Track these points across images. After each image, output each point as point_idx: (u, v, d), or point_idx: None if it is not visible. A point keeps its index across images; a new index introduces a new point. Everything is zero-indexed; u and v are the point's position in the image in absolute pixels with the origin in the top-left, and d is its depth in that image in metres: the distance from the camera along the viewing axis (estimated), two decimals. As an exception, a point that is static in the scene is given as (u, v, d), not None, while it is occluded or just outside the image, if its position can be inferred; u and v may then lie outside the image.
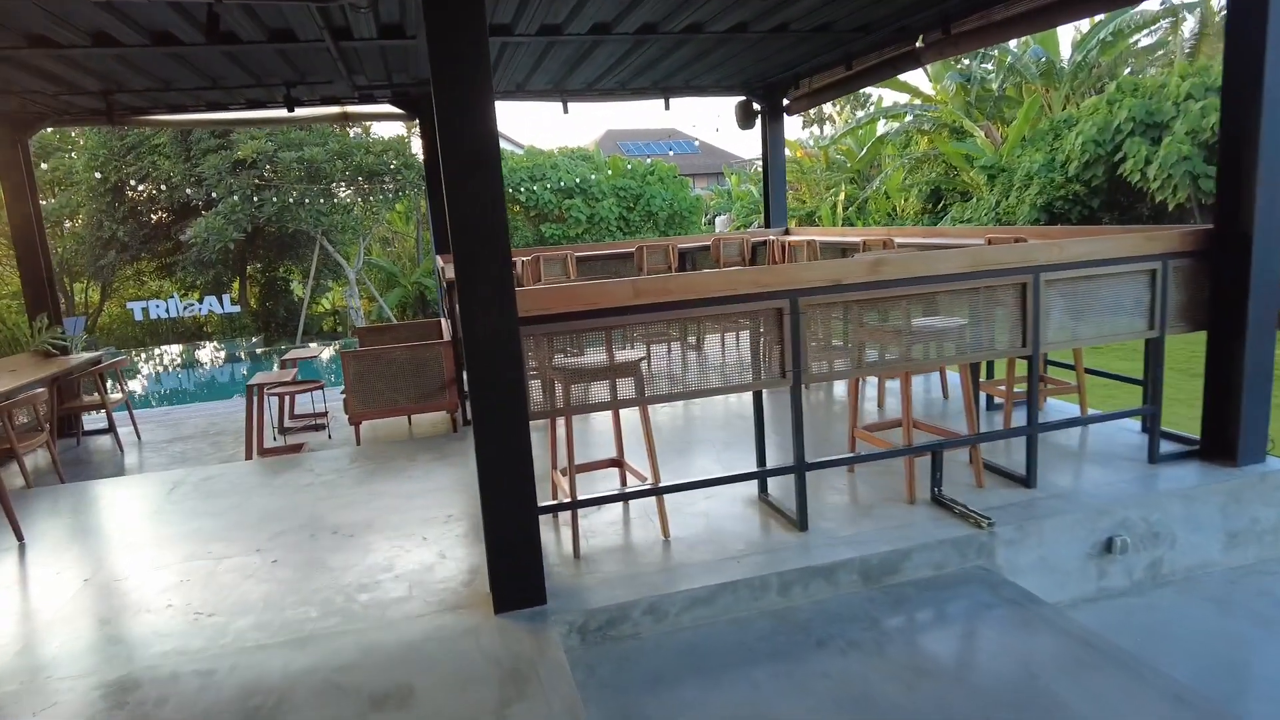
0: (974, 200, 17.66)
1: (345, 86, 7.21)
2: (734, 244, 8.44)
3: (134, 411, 8.00)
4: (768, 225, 9.38)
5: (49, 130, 21.70)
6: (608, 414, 4.96)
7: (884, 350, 3.97)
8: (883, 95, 31.17)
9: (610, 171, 23.19)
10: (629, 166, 23.51)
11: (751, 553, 3.71)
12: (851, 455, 4.55)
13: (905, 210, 21.97)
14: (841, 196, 23.53)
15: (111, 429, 7.27)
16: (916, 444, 4.13)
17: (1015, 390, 5.00)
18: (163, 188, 18.78)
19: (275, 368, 17.64)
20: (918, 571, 3.72)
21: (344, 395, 6.39)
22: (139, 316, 19.12)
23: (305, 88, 7.17)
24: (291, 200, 17.53)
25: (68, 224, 20.51)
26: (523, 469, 3.29)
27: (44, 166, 20.08)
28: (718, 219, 31.71)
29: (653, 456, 3.87)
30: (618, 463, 4.30)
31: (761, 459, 4.18)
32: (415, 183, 18.99)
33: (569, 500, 3.71)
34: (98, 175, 18.56)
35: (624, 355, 3.66)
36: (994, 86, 20.63)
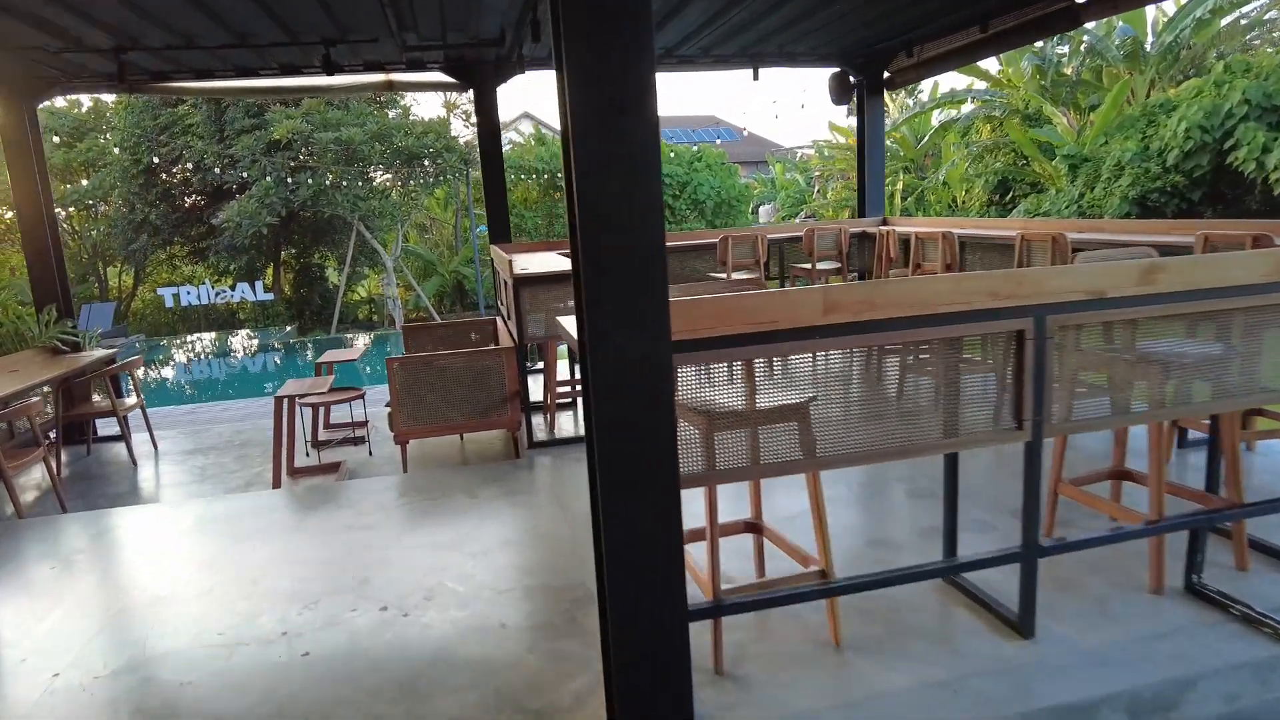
0: (1051, 192, 16.29)
1: (392, 48, 6.16)
2: (829, 235, 7.30)
3: (157, 410, 7.08)
4: (862, 214, 8.22)
5: (83, 109, 21.02)
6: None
7: (1148, 390, 2.84)
8: (938, 81, 29.68)
9: (656, 158, 22.05)
10: (674, 153, 22.36)
11: (965, 674, 2.62)
12: (1104, 534, 3.43)
13: (968, 202, 20.61)
14: (900, 186, 22.18)
15: (124, 438, 6.33)
16: (1170, 516, 3.01)
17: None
18: (194, 169, 17.96)
19: (310, 356, 16.81)
20: (1205, 706, 2.61)
21: (388, 408, 5.38)
22: (169, 303, 18.34)
23: (346, 49, 6.13)
24: (328, 184, 16.61)
25: (102, 206, 19.81)
26: (672, 562, 2.23)
27: (80, 147, 19.38)
28: (761, 208, 30.51)
29: (824, 539, 2.78)
30: (754, 527, 3.22)
31: (951, 539, 3.08)
32: (456, 167, 17.99)
33: (711, 601, 2.63)
34: (128, 155, 17.77)
35: (776, 397, 2.59)
36: (1068, 70, 19.19)
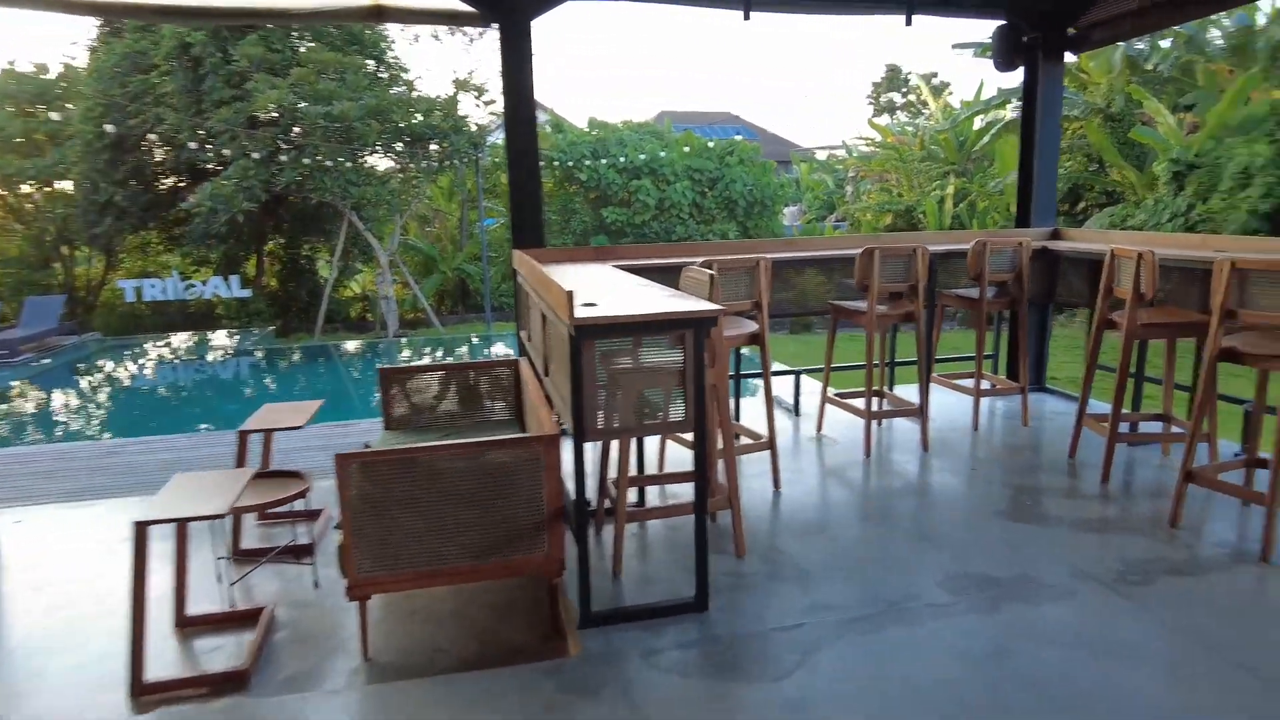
0: (1149, 202, 13.94)
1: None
2: (1005, 252, 4.96)
3: (73, 445, 4.75)
4: (1024, 222, 5.88)
5: (51, 74, 18.56)
6: None
7: None
8: (983, 80, 27.24)
9: (683, 150, 19.67)
10: (707, 145, 19.97)
11: None
12: None
13: (1026, 210, 18.29)
14: (950, 190, 19.85)
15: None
16: None
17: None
18: (168, 145, 15.54)
19: (296, 358, 14.28)
20: None
21: (338, 530, 3.02)
22: (131, 296, 15.88)
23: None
24: (316, 165, 14.20)
25: (64, 184, 17.37)
26: None
27: (41, 115, 16.97)
28: (786, 210, 28.19)
29: None
30: None
31: None
32: (464, 151, 15.59)
33: None
34: (92, 127, 15.33)
35: None
36: (1149, 66, 16.86)
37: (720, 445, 3.56)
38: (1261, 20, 14.98)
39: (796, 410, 5.55)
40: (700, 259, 4.02)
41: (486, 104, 16.29)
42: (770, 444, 4.13)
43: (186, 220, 15.97)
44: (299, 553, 3.95)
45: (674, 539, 3.67)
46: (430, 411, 4.71)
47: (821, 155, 33.32)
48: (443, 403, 4.73)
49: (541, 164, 18.89)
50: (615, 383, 2.78)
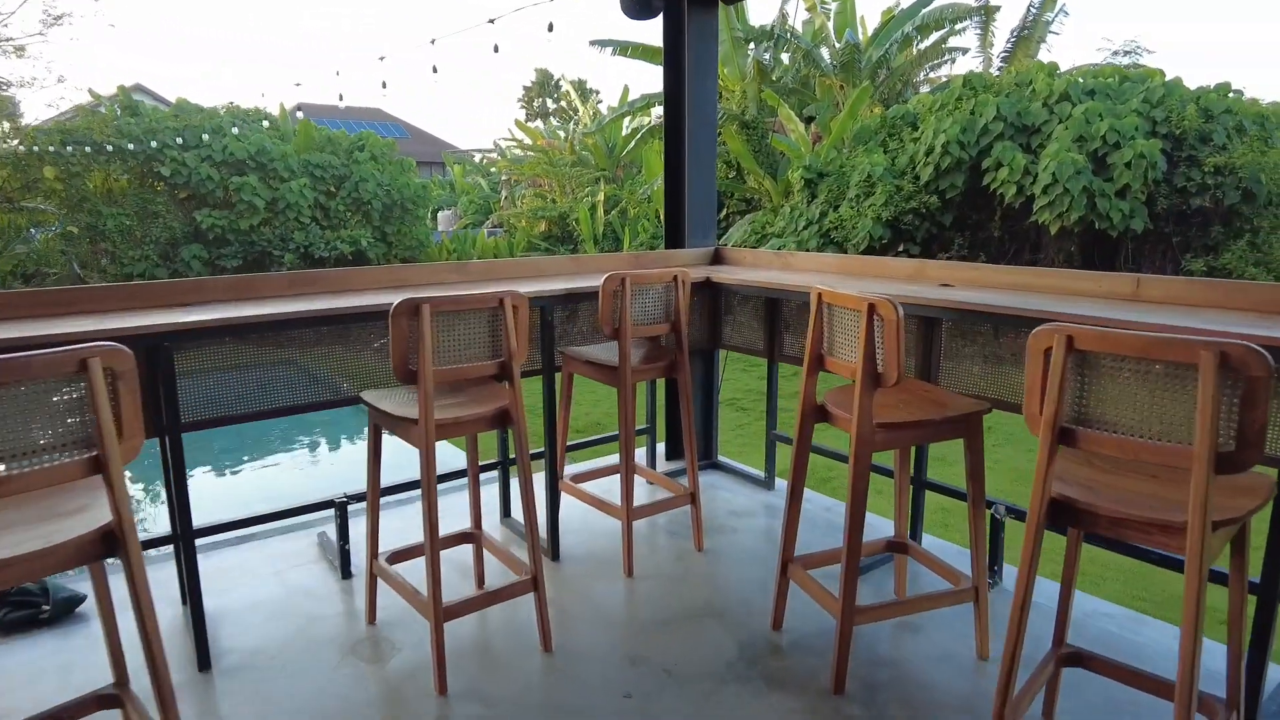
0: (785, 209, 13.73)
1: None
2: (652, 292, 3.04)
3: None
4: (675, 242, 4.08)
5: None
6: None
7: None
8: (628, 85, 26.98)
9: (301, 142, 16.19)
10: (327, 137, 16.66)
11: None
12: None
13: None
14: (601, 197, 18.79)
15: None
16: None
17: None
18: None
19: None
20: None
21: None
22: None
23: None
24: None
25: None
26: None
27: None
28: (441, 214, 25.63)
29: None
30: None
31: None
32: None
33: None
34: None
35: None
36: (777, 77, 17.15)
37: None
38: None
39: (345, 569, 3.17)
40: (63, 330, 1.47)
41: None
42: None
43: None
44: None
45: None
46: None
47: (477, 157, 31.20)
48: None
49: (104, 155, 14.25)
50: None
